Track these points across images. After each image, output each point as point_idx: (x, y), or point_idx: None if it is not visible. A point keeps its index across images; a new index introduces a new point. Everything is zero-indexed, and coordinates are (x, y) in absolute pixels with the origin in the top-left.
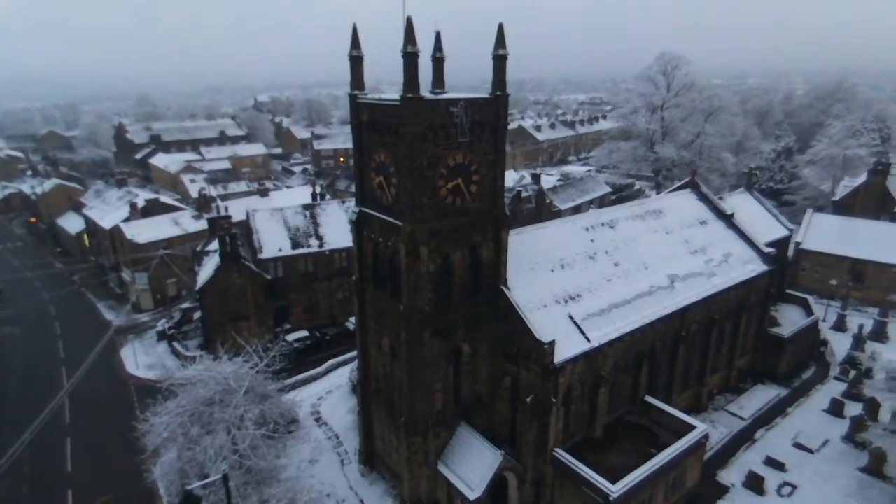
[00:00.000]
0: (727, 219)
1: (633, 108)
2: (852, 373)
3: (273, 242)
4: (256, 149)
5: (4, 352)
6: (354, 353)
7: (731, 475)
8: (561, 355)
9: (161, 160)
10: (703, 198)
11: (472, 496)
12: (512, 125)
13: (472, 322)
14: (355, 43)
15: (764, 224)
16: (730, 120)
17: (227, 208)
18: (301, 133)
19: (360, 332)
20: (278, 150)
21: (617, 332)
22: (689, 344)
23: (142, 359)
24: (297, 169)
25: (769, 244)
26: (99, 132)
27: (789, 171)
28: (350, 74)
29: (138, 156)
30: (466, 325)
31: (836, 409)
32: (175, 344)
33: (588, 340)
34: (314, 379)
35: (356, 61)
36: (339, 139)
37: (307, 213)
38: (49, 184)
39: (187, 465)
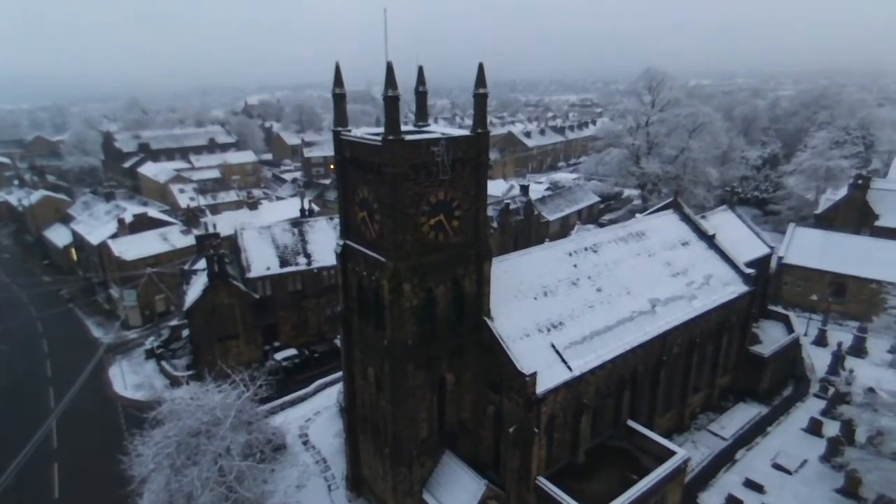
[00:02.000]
0: (709, 239)
1: (621, 125)
2: (831, 390)
3: (261, 261)
4: (246, 156)
5: None
6: (341, 373)
7: (711, 497)
8: (543, 385)
9: (150, 169)
10: (686, 218)
11: None
12: (502, 131)
13: (455, 352)
14: (338, 81)
15: (745, 242)
16: (714, 134)
17: (215, 225)
18: (292, 139)
19: (345, 361)
20: (269, 157)
21: (598, 360)
22: (671, 367)
23: (129, 378)
24: (288, 177)
25: (751, 262)
26: (87, 139)
27: (774, 181)
28: (333, 111)
29: (127, 164)
30: (450, 356)
31: (814, 428)
32: (163, 363)
33: (570, 370)
34: (302, 399)
35: (339, 98)
36: (330, 146)
37: (295, 230)
38: (36, 195)
39: (175, 495)
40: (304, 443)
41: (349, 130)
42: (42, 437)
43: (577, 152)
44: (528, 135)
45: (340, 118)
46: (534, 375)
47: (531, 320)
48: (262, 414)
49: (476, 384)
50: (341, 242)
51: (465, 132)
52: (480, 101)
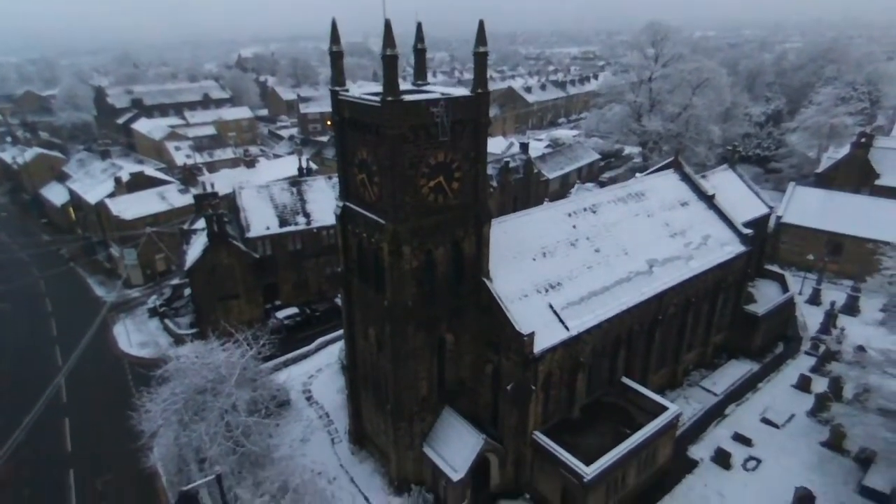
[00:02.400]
0: (708, 199)
1: (623, 81)
2: (822, 348)
3: (260, 220)
4: (242, 112)
5: None
6: (342, 331)
7: (700, 450)
8: (540, 345)
9: (144, 126)
10: (686, 178)
11: (455, 478)
12: (502, 86)
13: (455, 313)
14: (335, 38)
15: (745, 201)
16: (718, 90)
17: (213, 184)
18: (287, 94)
19: (346, 321)
20: (264, 112)
21: (595, 320)
22: (666, 326)
23: (134, 336)
24: (285, 133)
25: (749, 222)
26: (78, 94)
27: (776, 139)
28: (331, 70)
29: (120, 121)
30: (450, 316)
31: (803, 384)
32: (167, 321)
33: (567, 329)
34: (304, 357)
35: (337, 56)
36: (326, 102)
37: (294, 189)
38: (30, 153)
39: (184, 448)
40: (308, 398)
41: (347, 90)
42: (52, 393)
43: (579, 108)
44: (528, 90)
45: (338, 77)
46: (531, 335)
47: (530, 281)
48: (266, 371)
49: (475, 344)
50: (340, 204)
51: (465, 92)
52: (481, 59)
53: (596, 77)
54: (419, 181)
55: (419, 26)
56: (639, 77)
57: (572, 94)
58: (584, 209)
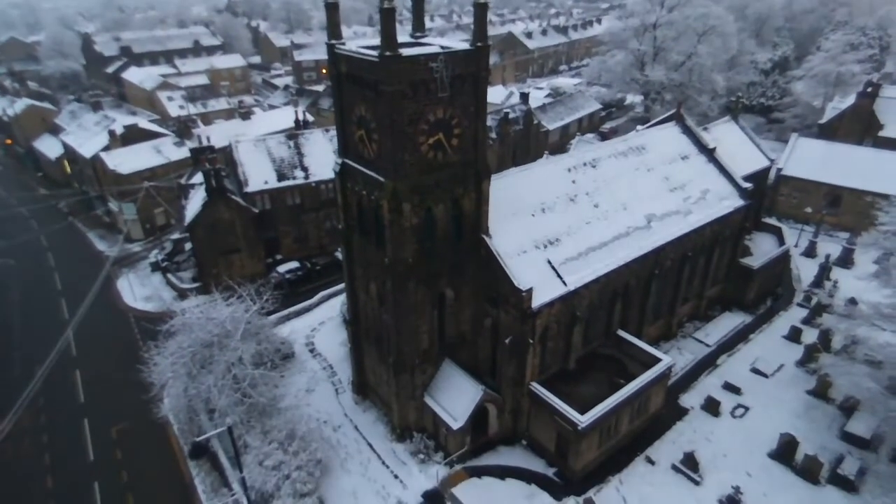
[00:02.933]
0: (709, 153)
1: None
2: (814, 300)
3: (258, 175)
4: (234, 60)
5: (2, 284)
6: (344, 284)
7: (691, 398)
8: (538, 300)
9: (135, 75)
10: (687, 131)
11: (455, 426)
12: (502, 31)
13: (455, 269)
14: None
15: (746, 154)
16: (725, 37)
17: (209, 138)
18: (280, 41)
19: (348, 277)
20: (257, 60)
21: (593, 275)
22: (662, 280)
23: (138, 290)
24: (279, 82)
25: (749, 175)
26: (64, 41)
27: (781, 87)
28: (327, 21)
29: (110, 70)
30: (450, 272)
31: (794, 335)
32: (169, 276)
33: (565, 284)
34: (307, 310)
35: (332, 8)
36: (321, 49)
37: (291, 143)
38: (21, 105)
39: (193, 399)
40: (311, 351)
41: (343, 43)
42: (62, 346)
43: (581, 54)
44: (529, 35)
45: (334, 30)
46: (530, 291)
47: (528, 237)
48: (270, 325)
49: (475, 298)
50: (339, 161)
51: (465, 46)
52: (481, 11)
53: (599, 21)
54: (418, 138)
55: None
56: (643, 23)
57: (574, 39)
58: (584, 164)
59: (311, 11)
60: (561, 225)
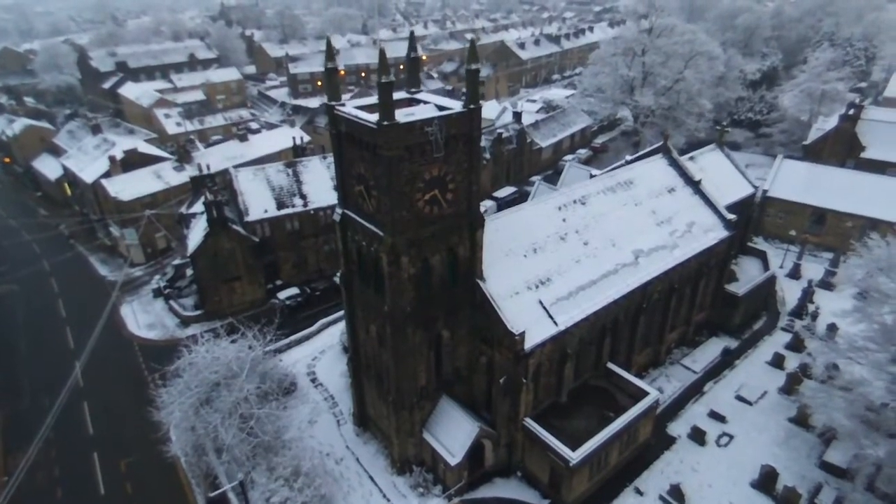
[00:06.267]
0: (695, 185)
1: (616, 54)
2: (797, 325)
3: (258, 204)
4: (230, 73)
5: (7, 311)
6: (343, 312)
7: (679, 427)
8: (531, 341)
9: (131, 91)
10: (674, 163)
11: (453, 462)
12: (495, 38)
13: (451, 311)
14: (330, 55)
15: (731, 182)
16: (711, 60)
17: (208, 166)
18: (275, 51)
19: (348, 316)
20: (252, 70)
21: (583, 314)
22: (650, 312)
23: (141, 318)
24: (274, 94)
25: (734, 204)
26: (59, 54)
27: (769, 102)
28: (326, 85)
29: (106, 85)
30: (446, 315)
31: (777, 362)
32: (171, 302)
33: (556, 325)
34: (307, 338)
35: (332, 72)
36: (316, 61)
37: (290, 171)
38: (19, 125)
39: (201, 437)
40: (313, 381)
41: (343, 104)
42: (67, 373)
43: (573, 63)
44: (521, 45)
45: (333, 92)
46: (522, 334)
47: (521, 278)
48: (272, 356)
49: (470, 338)
50: (340, 211)
51: (458, 107)
52: (472, 76)
53: (591, 30)
54: (415, 195)
55: (412, 34)
56: (631, 49)
57: (567, 48)
58: (574, 201)
59: (305, 17)
60: (552, 264)
